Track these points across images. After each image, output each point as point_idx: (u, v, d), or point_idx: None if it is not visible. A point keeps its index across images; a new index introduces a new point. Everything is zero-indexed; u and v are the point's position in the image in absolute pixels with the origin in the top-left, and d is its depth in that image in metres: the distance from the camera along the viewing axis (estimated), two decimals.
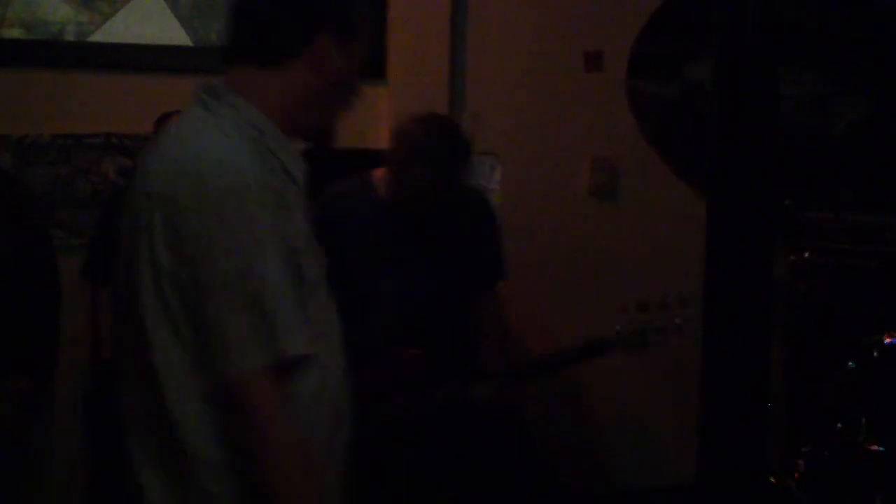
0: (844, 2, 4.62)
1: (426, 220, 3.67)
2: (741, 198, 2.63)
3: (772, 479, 3.61)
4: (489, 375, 3.60)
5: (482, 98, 4.83)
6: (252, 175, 2.01)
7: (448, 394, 3.53)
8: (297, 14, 2.15)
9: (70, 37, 4.60)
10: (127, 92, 4.50)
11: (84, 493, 4.26)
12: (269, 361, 2.00)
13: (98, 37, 4.64)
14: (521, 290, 4.52)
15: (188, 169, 2.03)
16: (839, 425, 3.56)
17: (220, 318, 2.00)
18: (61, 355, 3.60)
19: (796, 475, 3.61)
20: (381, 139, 4.73)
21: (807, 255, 4.09)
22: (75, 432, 4.22)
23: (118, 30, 4.66)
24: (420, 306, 3.62)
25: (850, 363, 3.62)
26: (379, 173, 3.67)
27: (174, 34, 4.69)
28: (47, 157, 4.49)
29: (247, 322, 2.00)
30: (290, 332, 2.03)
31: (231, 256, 1.99)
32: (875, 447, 3.47)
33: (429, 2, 4.83)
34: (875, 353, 3.57)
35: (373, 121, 4.77)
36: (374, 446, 3.20)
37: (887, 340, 3.57)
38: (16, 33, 4.55)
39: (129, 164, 4.46)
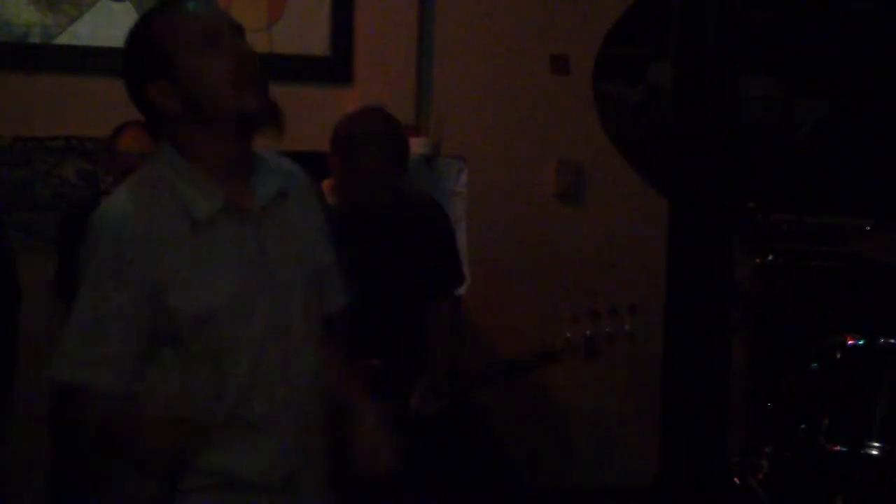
0: (806, 4, 4.64)
1: (379, 227, 3.68)
2: (701, 200, 2.64)
3: (735, 480, 3.63)
4: (438, 387, 3.61)
5: (448, 101, 4.85)
6: (110, 223, 2.26)
7: (400, 405, 3.54)
8: (133, 94, 2.34)
9: (35, 39, 4.59)
10: (93, 95, 4.49)
11: None
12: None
13: (64, 39, 4.62)
14: (487, 292, 4.54)
15: None
16: (802, 426, 3.58)
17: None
18: (28, 366, 3.59)
19: (759, 475, 3.63)
20: None
21: (769, 257, 4.11)
22: (42, 441, 4.17)
23: (84, 32, 4.64)
24: (375, 315, 3.64)
25: (813, 364, 3.64)
26: (327, 184, 3.68)
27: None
28: (8, 159, 4.47)
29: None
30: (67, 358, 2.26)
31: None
32: (837, 448, 3.50)
33: (395, 6, 4.84)
34: (837, 355, 3.60)
35: None
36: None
37: (849, 342, 3.59)
38: None
39: (89, 167, 4.45)
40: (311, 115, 4.79)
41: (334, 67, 4.82)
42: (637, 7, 4.71)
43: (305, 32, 4.80)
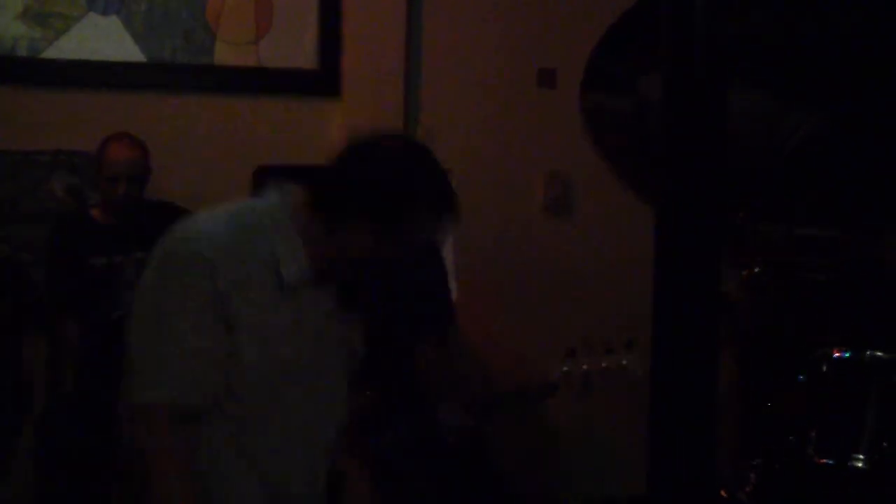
0: (796, 17, 4.66)
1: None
2: (689, 212, 2.64)
3: (723, 493, 3.63)
4: (467, 405, 3.62)
5: (436, 114, 4.85)
6: (207, 243, 2.32)
7: (405, 432, 3.55)
8: (349, 198, 2.39)
9: (23, 53, 4.59)
10: (80, 109, 4.49)
11: None
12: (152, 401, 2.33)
13: (51, 53, 4.62)
14: (475, 305, 4.54)
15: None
16: (790, 439, 3.58)
17: (133, 349, 2.36)
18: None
19: (747, 488, 3.62)
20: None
21: (757, 269, 4.12)
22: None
23: (71, 46, 4.64)
24: (369, 348, 3.65)
25: (801, 377, 3.64)
26: None
27: (128, 51, 4.68)
28: None
29: (143, 361, 2.34)
30: (165, 383, 2.32)
31: (147, 301, 2.34)
32: (825, 461, 3.50)
33: (384, 18, 4.85)
34: (824, 367, 3.59)
35: (328, 137, 4.78)
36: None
37: (836, 354, 3.59)
38: None
39: (76, 182, 4.44)
40: (299, 129, 4.80)
41: (322, 81, 4.83)
42: (625, 20, 4.72)
43: (293, 46, 4.81)
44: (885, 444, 3.46)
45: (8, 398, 4.02)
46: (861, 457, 3.45)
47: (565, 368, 3.51)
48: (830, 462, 3.49)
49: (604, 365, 3.49)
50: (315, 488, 2.58)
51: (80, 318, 4.17)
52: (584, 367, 3.50)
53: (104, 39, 4.65)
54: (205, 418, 2.38)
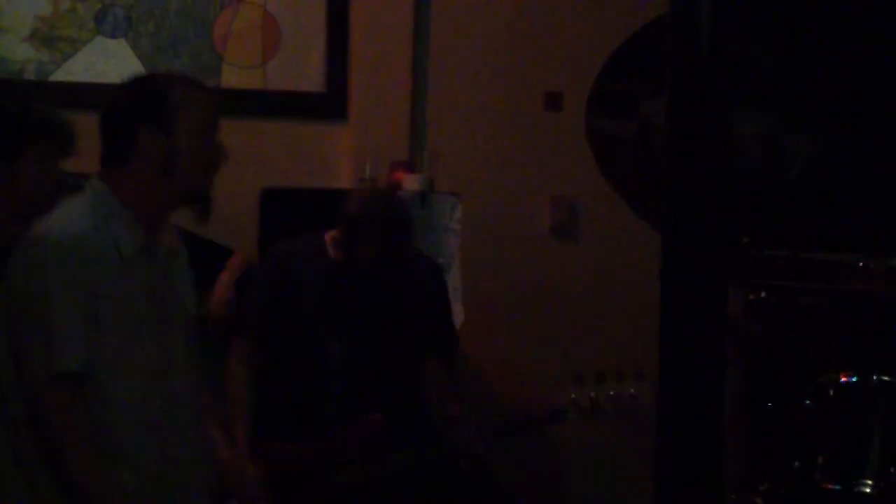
0: (799, 40, 4.67)
1: (377, 285, 3.71)
2: (695, 236, 2.65)
3: None
4: (483, 429, 3.63)
5: (443, 137, 4.85)
6: (63, 234, 2.57)
7: (413, 457, 3.56)
8: (117, 121, 2.68)
9: (31, 76, 4.62)
10: (89, 131, 4.48)
11: None
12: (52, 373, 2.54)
13: (59, 76, 4.65)
14: (481, 328, 4.54)
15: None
16: (796, 464, 3.58)
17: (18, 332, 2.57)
18: None
19: None
20: (342, 179, 4.75)
21: (763, 294, 4.12)
22: None
23: (79, 69, 4.67)
24: (370, 370, 3.66)
25: (807, 402, 3.64)
26: (330, 234, 3.71)
27: (136, 73, 4.69)
28: None
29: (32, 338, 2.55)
30: (63, 351, 2.53)
31: (26, 280, 2.58)
32: (831, 486, 3.49)
33: (390, 41, 4.86)
34: (831, 392, 3.60)
35: (334, 160, 4.80)
36: None
37: (843, 379, 3.59)
38: None
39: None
40: (306, 152, 4.81)
41: (329, 104, 4.84)
42: (630, 44, 4.74)
43: (300, 69, 4.83)
44: (892, 470, 3.46)
45: None
46: (868, 482, 3.45)
47: (573, 395, 3.52)
48: (837, 487, 3.50)
49: (611, 393, 3.50)
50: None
51: None
52: (592, 394, 3.51)
53: (112, 62, 4.67)
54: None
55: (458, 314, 4.21)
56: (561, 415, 3.55)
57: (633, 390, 3.49)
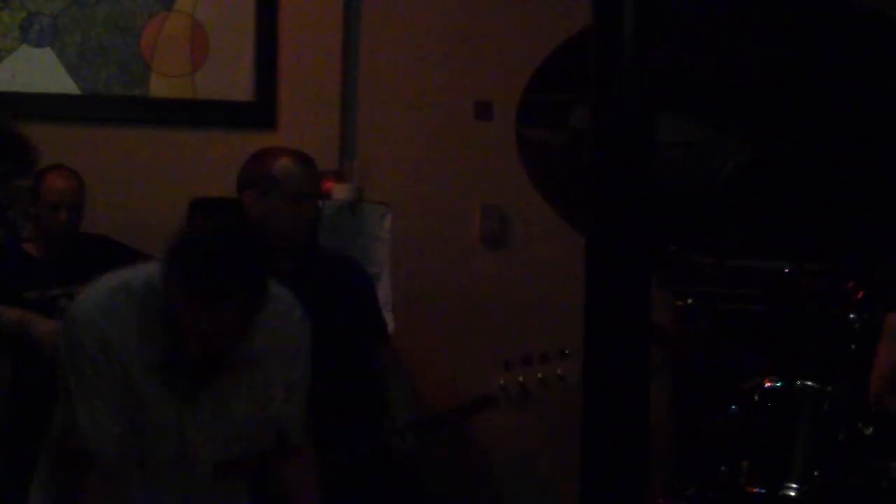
0: (725, 49, 4.71)
1: (299, 286, 3.70)
2: (618, 242, 2.66)
3: None
4: (413, 424, 3.62)
5: (372, 147, 4.87)
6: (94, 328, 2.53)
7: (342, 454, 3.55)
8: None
9: None
10: None
11: None
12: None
13: None
14: (412, 337, 4.54)
15: None
16: (722, 468, 3.61)
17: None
18: None
19: None
20: None
21: (689, 300, 4.16)
22: None
23: (4, 78, 4.63)
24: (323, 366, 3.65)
25: (733, 406, 3.67)
26: None
27: (62, 83, 4.66)
28: None
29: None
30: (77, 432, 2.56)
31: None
32: (756, 489, 3.53)
33: (320, 50, 4.86)
34: (756, 397, 3.63)
35: None
36: None
37: (767, 384, 3.63)
38: None
39: (11, 214, 4.40)
40: (235, 161, 4.78)
41: (258, 113, 4.82)
42: (558, 53, 4.76)
43: (229, 78, 4.81)
44: (815, 473, 3.50)
45: None
46: (792, 485, 3.48)
47: (502, 382, 3.53)
48: (762, 491, 3.53)
49: (539, 376, 3.51)
50: None
51: (13, 354, 4.13)
52: (520, 378, 3.52)
53: (38, 71, 4.63)
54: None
55: (389, 323, 4.21)
56: (491, 401, 3.55)
57: (559, 371, 3.50)
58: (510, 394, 3.53)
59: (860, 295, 3.92)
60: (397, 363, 4.02)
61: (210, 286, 2.42)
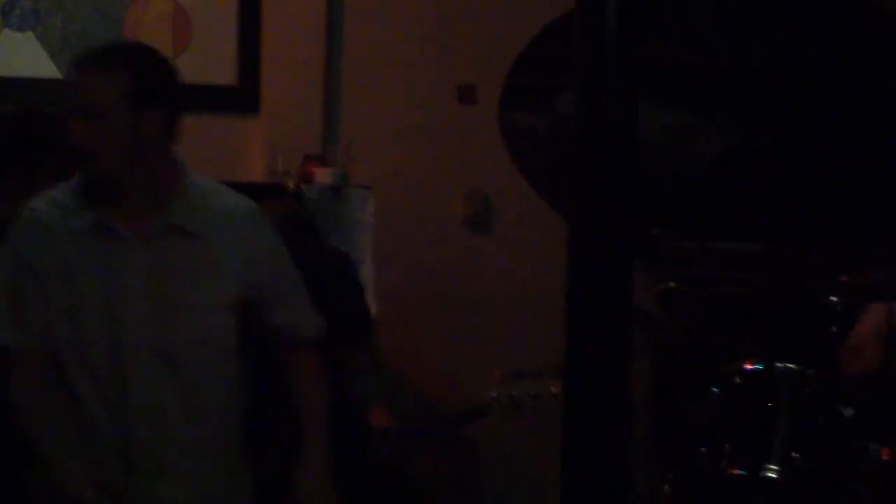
0: (708, 36, 4.72)
1: None
2: (600, 225, 2.68)
3: None
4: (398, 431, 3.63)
5: (356, 131, 4.86)
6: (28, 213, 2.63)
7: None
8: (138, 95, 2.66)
9: None
10: None
11: None
12: None
13: None
14: (396, 323, 4.55)
15: None
16: (704, 451, 3.62)
17: None
18: None
19: (662, 500, 3.66)
20: (255, 172, 4.74)
21: (672, 284, 4.16)
22: None
23: None
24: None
25: (714, 389, 3.68)
26: None
27: (44, 67, 4.64)
28: None
29: None
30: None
31: None
32: (737, 472, 3.54)
33: (302, 35, 4.85)
34: (737, 380, 3.64)
35: (247, 154, 4.78)
36: None
37: (747, 367, 3.64)
38: None
39: None
40: (218, 145, 4.79)
41: (241, 97, 4.82)
42: (542, 37, 4.76)
43: (212, 62, 4.80)
44: (795, 455, 3.51)
45: None
46: (773, 467, 3.50)
47: (494, 394, 3.54)
48: (743, 473, 3.54)
49: (532, 392, 3.53)
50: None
51: None
52: (514, 392, 3.53)
53: (19, 56, 4.62)
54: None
55: (371, 307, 4.21)
56: (482, 412, 3.57)
57: (553, 389, 3.52)
58: (502, 406, 3.55)
59: (842, 278, 3.93)
60: (374, 367, 4.01)
61: (83, 59, 2.74)
